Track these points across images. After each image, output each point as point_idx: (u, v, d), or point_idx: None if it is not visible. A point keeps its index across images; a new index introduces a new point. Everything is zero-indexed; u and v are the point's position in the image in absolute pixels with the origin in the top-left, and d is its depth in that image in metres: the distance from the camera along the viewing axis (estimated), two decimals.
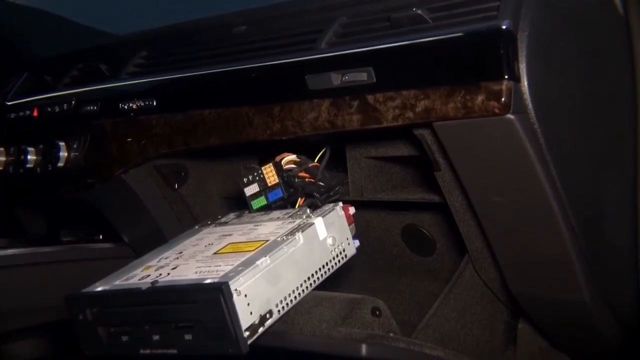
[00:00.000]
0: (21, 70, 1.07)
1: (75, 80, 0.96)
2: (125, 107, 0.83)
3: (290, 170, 0.74)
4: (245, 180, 0.75)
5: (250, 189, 0.74)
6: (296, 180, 0.73)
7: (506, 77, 0.56)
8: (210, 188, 0.97)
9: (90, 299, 0.59)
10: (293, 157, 0.75)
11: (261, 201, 0.73)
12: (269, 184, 0.73)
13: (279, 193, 0.73)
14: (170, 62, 0.84)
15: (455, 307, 0.76)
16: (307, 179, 0.74)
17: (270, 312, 0.54)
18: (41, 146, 0.91)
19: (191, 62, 0.80)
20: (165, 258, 0.63)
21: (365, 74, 0.63)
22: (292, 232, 0.60)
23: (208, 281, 0.53)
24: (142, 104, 0.81)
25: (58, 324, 1.00)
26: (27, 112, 0.96)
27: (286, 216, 0.67)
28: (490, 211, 0.66)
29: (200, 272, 0.56)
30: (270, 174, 0.74)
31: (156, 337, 0.54)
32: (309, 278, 0.59)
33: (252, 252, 0.57)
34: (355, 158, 0.81)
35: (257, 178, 0.74)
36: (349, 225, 0.66)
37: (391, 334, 0.64)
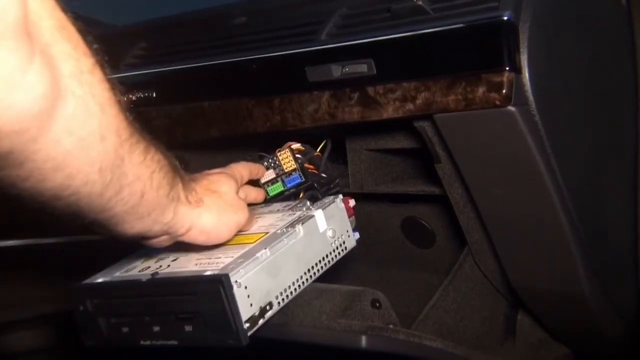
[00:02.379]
0: None
1: None
2: (125, 98, 0.82)
3: (298, 158, 0.74)
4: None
5: (266, 176, 0.74)
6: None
7: (507, 68, 0.55)
8: None
9: (91, 290, 0.59)
10: (298, 145, 0.75)
11: (278, 187, 0.73)
12: (286, 170, 0.73)
13: (297, 178, 0.73)
14: (169, 53, 0.83)
15: (455, 299, 0.77)
16: (310, 170, 0.75)
17: (270, 304, 0.54)
18: None
19: (191, 54, 0.79)
20: (166, 250, 0.63)
21: (366, 66, 0.62)
22: (292, 225, 0.60)
23: (208, 273, 0.53)
24: (142, 95, 0.81)
25: (58, 314, 1.00)
26: None
27: (286, 208, 0.67)
28: (490, 203, 0.66)
29: (201, 264, 0.56)
30: (286, 159, 0.73)
31: (156, 329, 0.54)
32: (309, 270, 0.59)
33: (252, 245, 0.57)
34: (355, 150, 0.80)
35: (272, 164, 0.74)
36: (349, 217, 0.66)
37: (391, 326, 0.64)
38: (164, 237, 0.53)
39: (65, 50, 0.39)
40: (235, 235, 0.62)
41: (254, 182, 0.73)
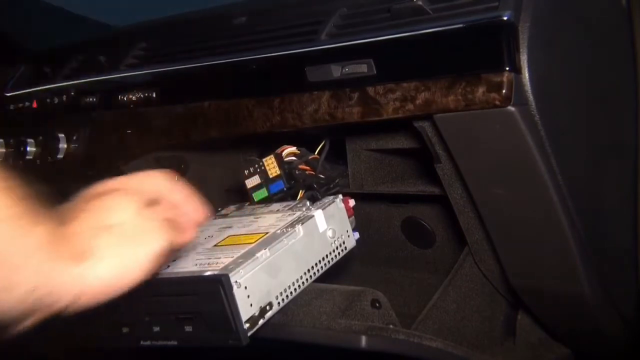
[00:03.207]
0: (20, 61, 1.07)
1: (75, 71, 0.95)
2: (125, 98, 0.83)
3: (290, 162, 0.74)
4: (246, 172, 0.75)
5: (252, 181, 0.75)
6: (297, 172, 0.74)
7: (507, 68, 0.55)
8: (210, 180, 0.97)
9: None
10: (293, 149, 0.75)
11: (262, 193, 0.73)
12: (270, 176, 0.74)
13: (281, 185, 0.73)
14: (169, 53, 0.84)
15: (455, 299, 0.77)
16: (307, 172, 0.75)
17: (270, 304, 0.54)
18: (41, 138, 0.91)
19: (191, 54, 0.80)
20: None
21: (366, 66, 0.62)
22: (292, 225, 0.60)
23: (208, 273, 0.53)
24: (142, 95, 0.81)
25: (59, 315, 1.00)
26: (27, 104, 0.96)
27: (286, 208, 0.67)
28: (490, 204, 0.66)
29: (200, 264, 0.56)
30: (271, 165, 0.74)
31: (156, 329, 0.54)
32: (308, 270, 0.59)
33: (252, 245, 0.57)
34: (355, 150, 0.80)
35: (259, 170, 0.74)
36: (349, 217, 0.66)
37: (391, 326, 0.64)
38: (31, 318, 0.38)
39: None
40: (235, 236, 0.62)
41: (239, 189, 0.74)
